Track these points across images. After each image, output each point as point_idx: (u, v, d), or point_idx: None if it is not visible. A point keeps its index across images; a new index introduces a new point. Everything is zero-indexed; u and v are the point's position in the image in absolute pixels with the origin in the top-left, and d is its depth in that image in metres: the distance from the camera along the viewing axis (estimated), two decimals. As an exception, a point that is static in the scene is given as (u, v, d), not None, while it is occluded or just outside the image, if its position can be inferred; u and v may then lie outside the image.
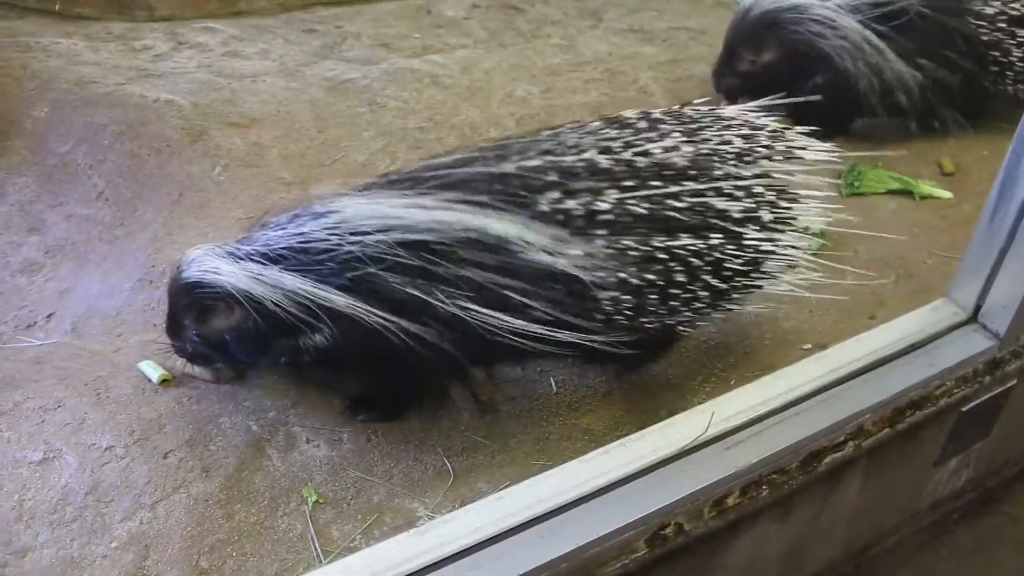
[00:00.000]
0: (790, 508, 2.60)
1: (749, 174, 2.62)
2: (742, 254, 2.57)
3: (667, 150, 2.55)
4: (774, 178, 2.68)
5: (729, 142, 2.64)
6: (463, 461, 2.56)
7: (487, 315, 2.37)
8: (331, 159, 3.76)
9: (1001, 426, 3.11)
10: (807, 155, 2.71)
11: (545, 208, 2.42)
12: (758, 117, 2.74)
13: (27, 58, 4.24)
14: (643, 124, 2.63)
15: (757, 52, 4.03)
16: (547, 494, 2.25)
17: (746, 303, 2.75)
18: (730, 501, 2.37)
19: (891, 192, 3.77)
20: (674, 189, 2.50)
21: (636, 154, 2.53)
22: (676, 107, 2.75)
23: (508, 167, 2.48)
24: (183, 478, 2.49)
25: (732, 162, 2.61)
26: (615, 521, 2.22)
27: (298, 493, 2.47)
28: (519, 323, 2.38)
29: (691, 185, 2.52)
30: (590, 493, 2.27)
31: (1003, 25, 3.89)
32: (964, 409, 2.86)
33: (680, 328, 2.70)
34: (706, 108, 2.74)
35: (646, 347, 2.71)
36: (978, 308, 2.81)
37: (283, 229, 2.50)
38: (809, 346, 2.93)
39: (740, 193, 2.58)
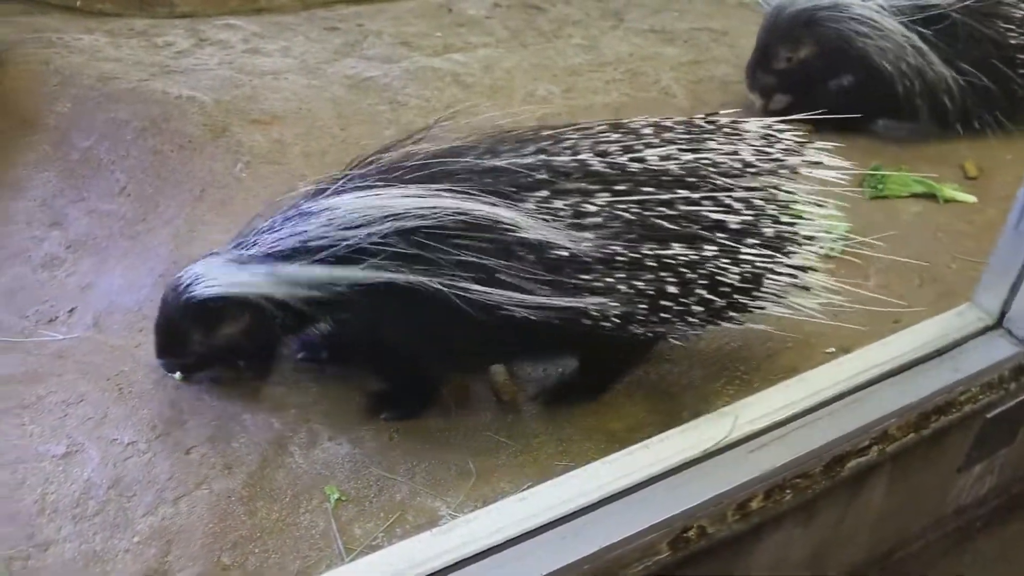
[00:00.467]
0: (814, 512, 2.58)
1: (750, 187, 2.58)
2: (739, 269, 2.53)
3: (664, 158, 2.52)
4: (779, 192, 2.64)
5: (735, 153, 2.59)
6: (485, 461, 2.56)
7: (487, 293, 2.37)
8: (352, 157, 3.75)
9: (1026, 433, 3.09)
10: (823, 172, 2.67)
11: (531, 206, 2.41)
12: (780, 131, 2.69)
13: (50, 54, 4.24)
14: (648, 131, 2.60)
15: (793, 49, 4.01)
16: (570, 495, 2.23)
17: (748, 320, 2.71)
18: (754, 505, 2.35)
19: (914, 195, 3.74)
20: (666, 196, 2.47)
21: (632, 159, 2.50)
22: (699, 116, 2.71)
23: (499, 162, 2.47)
24: (205, 474, 2.49)
25: (734, 174, 2.57)
26: (638, 523, 2.20)
27: (320, 490, 2.48)
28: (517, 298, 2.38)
29: (685, 193, 2.49)
30: (613, 495, 2.26)
31: None
32: (989, 415, 2.83)
33: (671, 338, 2.69)
34: (726, 120, 2.70)
35: (627, 356, 2.74)
36: (1003, 314, 2.78)
37: (281, 229, 2.53)
38: (832, 350, 2.91)
39: (739, 206, 2.54)
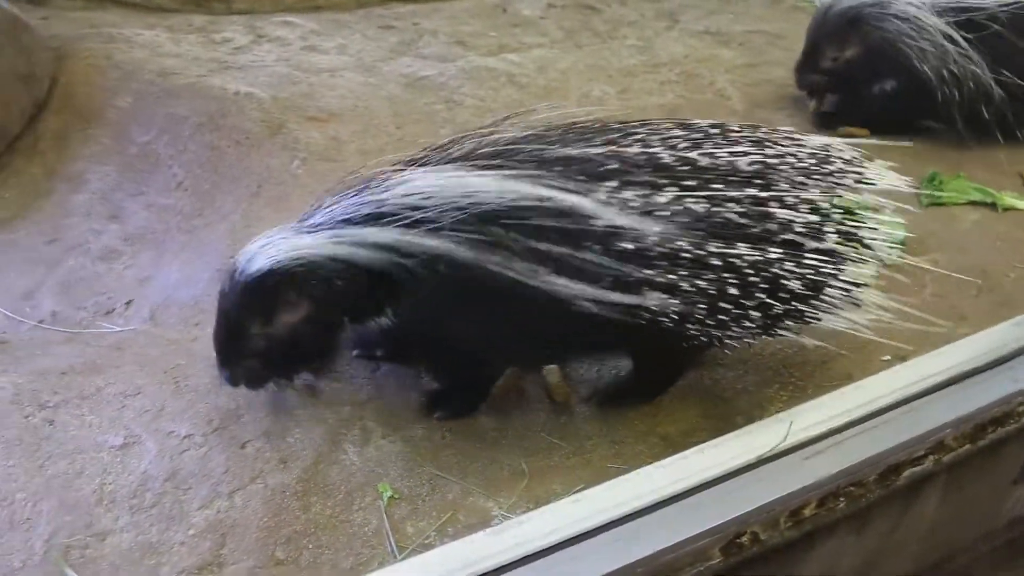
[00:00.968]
0: (867, 521, 2.57)
1: (816, 189, 2.56)
2: (801, 273, 2.49)
3: (734, 154, 2.51)
4: (843, 198, 2.62)
5: (800, 158, 2.58)
6: (538, 462, 2.56)
7: (562, 284, 2.36)
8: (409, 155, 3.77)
9: (1083, 445, 3.05)
10: (880, 184, 2.65)
11: (602, 196, 2.39)
12: (839, 149, 2.67)
13: (111, 49, 4.30)
14: (714, 130, 2.60)
15: (840, 48, 4.00)
16: (624, 498, 2.24)
17: (803, 333, 2.68)
18: (807, 512, 2.35)
19: (972, 203, 3.70)
20: (735, 193, 2.45)
21: (701, 154, 2.49)
22: (763, 127, 2.69)
23: (571, 151, 2.46)
24: (260, 468, 2.51)
25: (799, 180, 2.55)
26: (691, 528, 2.21)
27: (373, 488, 2.48)
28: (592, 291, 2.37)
29: (753, 192, 2.47)
30: (667, 499, 2.26)
31: None
32: (1046, 427, 2.81)
33: (726, 343, 2.63)
34: (786, 132, 2.68)
35: (680, 359, 2.73)
36: (1063, 325, 2.77)
37: (351, 199, 2.49)
38: (888, 358, 2.88)
39: (805, 208, 2.52)
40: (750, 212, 2.45)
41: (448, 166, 2.48)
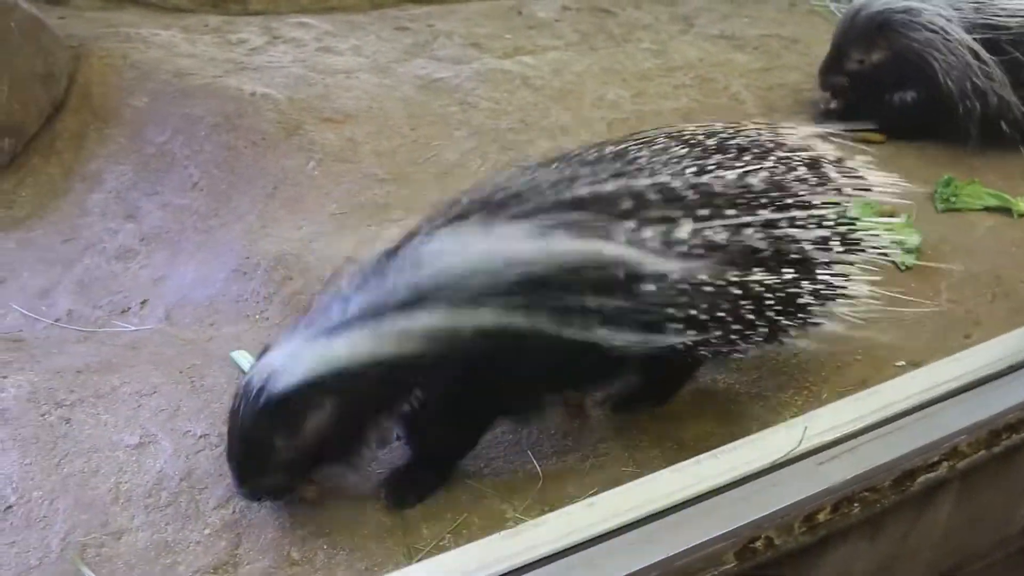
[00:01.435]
0: (880, 527, 2.57)
1: (822, 203, 2.55)
2: (813, 288, 2.49)
3: (743, 174, 2.47)
4: (847, 207, 2.62)
5: (794, 168, 2.55)
6: (552, 465, 2.56)
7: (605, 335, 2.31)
8: (423, 157, 3.79)
9: (1098, 452, 3.05)
10: (871, 184, 2.63)
11: (623, 238, 2.33)
12: (823, 141, 2.65)
13: (127, 48, 4.32)
14: (712, 143, 2.54)
15: (866, 52, 3.99)
16: (638, 502, 2.24)
17: (810, 338, 2.66)
18: (821, 517, 2.34)
19: (987, 209, 3.69)
20: (748, 219, 2.42)
21: (711, 178, 2.44)
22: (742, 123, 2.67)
23: (582, 191, 2.39)
24: (275, 469, 2.52)
25: (804, 189, 2.52)
26: (705, 532, 2.21)
27: (388, 489, 2.49)
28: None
29: (766, 215, 2.44)
30: (681, 503, 2.26)
31: None
32: (1061, 434, 2.80)
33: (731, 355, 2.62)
34: (766, 126, 2.66)
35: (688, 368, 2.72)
36: (1078, 331, 2.76)
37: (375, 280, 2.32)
38: (903, 363, 2.88)
39: (812, 223, 2.50)
40: (765, 236, 2.44)
41: (474, 223, 2.35)
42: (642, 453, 2.59)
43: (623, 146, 2.55)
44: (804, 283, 2.47)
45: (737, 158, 2.52)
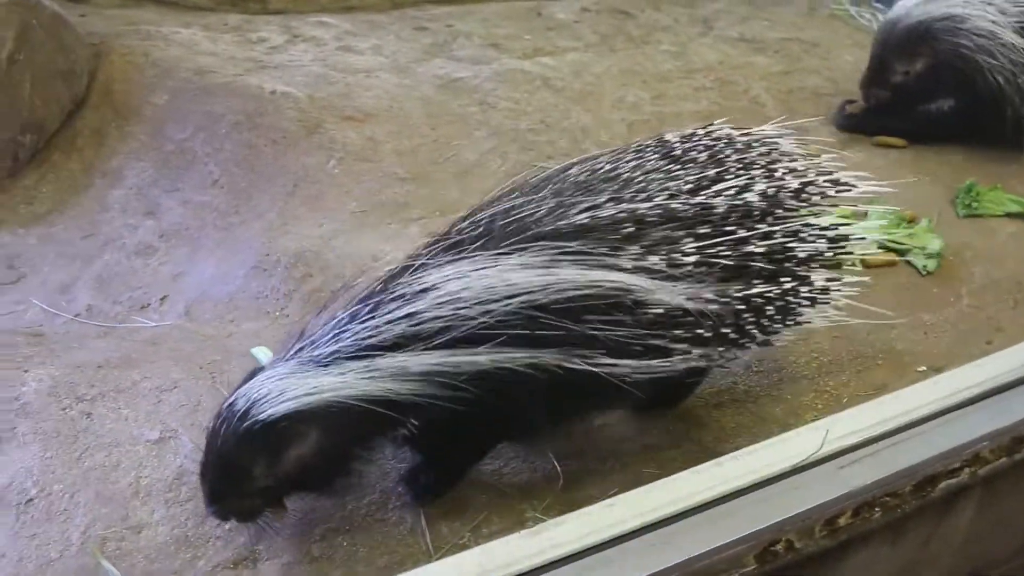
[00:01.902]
0: (901, 532, 2.56)
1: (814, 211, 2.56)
2: (812, 298, 2.50)
3: (741, 189, 2.44)
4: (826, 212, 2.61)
5: (782, 177, 2.53)
6: (572, 465, 2.55)
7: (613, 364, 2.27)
8: (443, 157, 3.79)
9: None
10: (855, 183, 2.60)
11: (628, 266, 2.29)
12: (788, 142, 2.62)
13: (148, 46, 4.33)
14: (703, 157, 2.50)
15: (910, 63, 3.96)
16: (659, 503, 2.24)
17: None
18: (842, 521, 2.34)
19: (1009, 215, 3.67)
20: (745, 234, 2.41)
21: (708, 196, 2.41)
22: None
23: (582, 218, 2.32)
24: (296, 465, 2.51)
25: (791, 198, 2.51)
26: (726, 534, 2.21)
27: (408, 487, 2.49)
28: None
29: (764, 228, 2.43)
30: (702, 504, 2.26)
31: None
32: (1084, 441, 2.79)
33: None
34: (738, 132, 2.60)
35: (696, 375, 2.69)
36: (1101, 337, 2.75)
37: (370, 311, 2.23)
38: (924, 368, 2.88)
39: (805, 232, 2.50)
40: (765, 249, 2.43)
41: (476, 256, 2.26)
42: (663, 454, 2.59)
43: (612, 165, 2.49)
44: (801, 289, 2.48)
45: (730, 171, 2.49)
